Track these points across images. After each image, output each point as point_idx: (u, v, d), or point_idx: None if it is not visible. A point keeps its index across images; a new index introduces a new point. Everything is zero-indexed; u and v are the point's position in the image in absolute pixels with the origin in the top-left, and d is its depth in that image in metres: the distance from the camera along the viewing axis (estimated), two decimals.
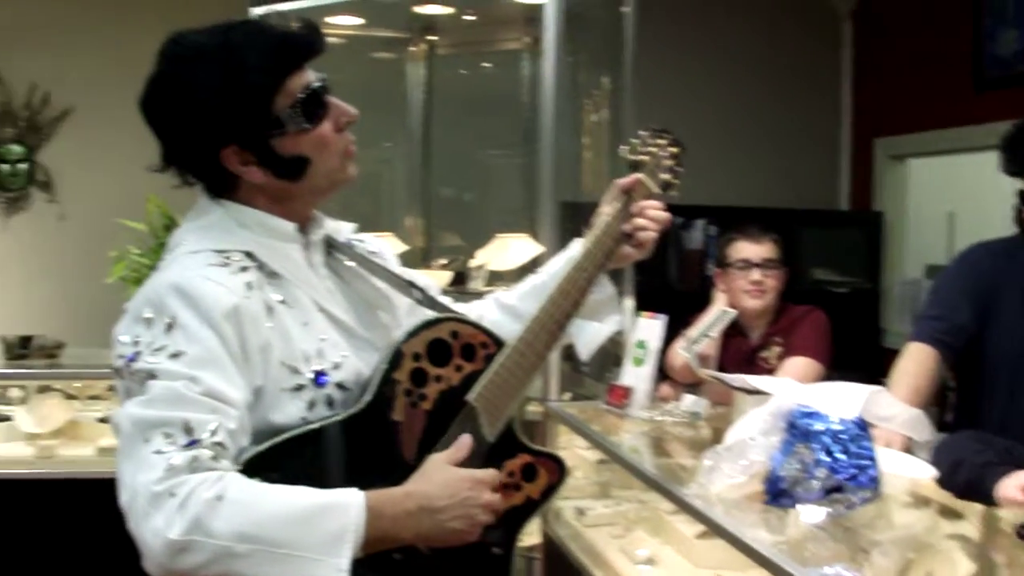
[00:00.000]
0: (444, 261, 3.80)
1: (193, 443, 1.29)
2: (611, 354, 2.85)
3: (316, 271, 1.54)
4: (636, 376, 2.77)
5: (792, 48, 5.51)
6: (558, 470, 1.62)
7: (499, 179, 4.32)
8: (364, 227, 1.71)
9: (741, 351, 3.16)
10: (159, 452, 1.28)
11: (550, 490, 1.61)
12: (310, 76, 1.47)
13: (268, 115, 1.43)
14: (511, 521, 1.56)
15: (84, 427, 3.57)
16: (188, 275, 1.39)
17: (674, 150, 1.80)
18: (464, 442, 1.49)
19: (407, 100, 3.76)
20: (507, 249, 3.43)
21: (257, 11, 3.15)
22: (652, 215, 1.72)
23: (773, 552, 1.58)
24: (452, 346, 1.51)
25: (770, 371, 3.01)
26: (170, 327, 1.34)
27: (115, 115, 5.13)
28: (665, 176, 1.77)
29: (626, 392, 2.75)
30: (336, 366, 1.47)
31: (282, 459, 1.38)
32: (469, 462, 1.48)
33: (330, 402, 1.46)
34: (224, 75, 1.40)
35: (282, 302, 1.45)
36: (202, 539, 1.24)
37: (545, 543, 1.92)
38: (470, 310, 1.76)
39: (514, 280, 2.48)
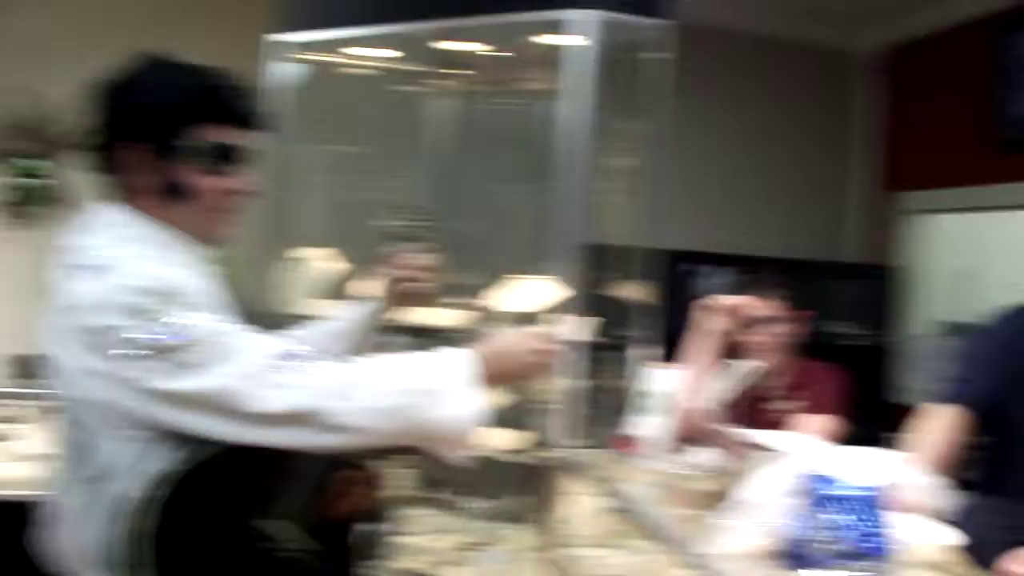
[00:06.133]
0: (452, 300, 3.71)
1: None
2: (622, 402, 2.79)
3: None
4: (650, 426, 2.71)
5: (805, 99, 5.55)
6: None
7: (515, 218, 4.28)
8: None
9: (748, 400, 3.09)
10: None
11: None
12: (235, 137, 1.60)
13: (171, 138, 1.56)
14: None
15: None
16: None
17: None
18: None
19: (427, 134, 3.74)
20: (522, 290, 3.37)
21: (272, 38, 3.12)
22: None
23: None
24: None
25: (775, 424, 2.94)
26: None
27: None
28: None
29: (638, 442, 2.69)
30: None
31: None
32: None
33: None
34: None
35: None
36: None
37: None
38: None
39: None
